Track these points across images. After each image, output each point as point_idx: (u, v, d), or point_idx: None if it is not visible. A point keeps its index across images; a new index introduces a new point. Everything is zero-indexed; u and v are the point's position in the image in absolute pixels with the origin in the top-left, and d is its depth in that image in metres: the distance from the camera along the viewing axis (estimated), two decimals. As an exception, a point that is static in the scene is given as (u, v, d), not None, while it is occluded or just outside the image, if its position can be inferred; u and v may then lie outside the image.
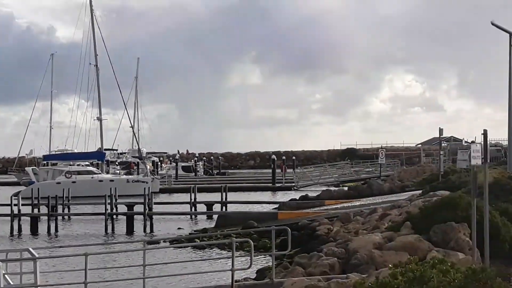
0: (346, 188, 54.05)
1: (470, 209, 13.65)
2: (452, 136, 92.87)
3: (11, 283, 14.13)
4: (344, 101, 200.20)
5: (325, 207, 38.68)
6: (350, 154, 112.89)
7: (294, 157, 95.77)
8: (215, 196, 48.70)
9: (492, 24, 32.36)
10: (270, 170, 74.26)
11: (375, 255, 15.61)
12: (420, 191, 33.92)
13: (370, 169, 74.77)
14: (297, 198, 49.14)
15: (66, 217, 44.80)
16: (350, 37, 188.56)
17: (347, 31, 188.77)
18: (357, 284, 9.51)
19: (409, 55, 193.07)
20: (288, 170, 78.14)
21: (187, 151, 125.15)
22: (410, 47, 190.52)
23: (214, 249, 29.26)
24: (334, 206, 38.39)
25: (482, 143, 13.43)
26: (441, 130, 44.87)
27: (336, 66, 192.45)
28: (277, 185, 69.30)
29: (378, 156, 70.58)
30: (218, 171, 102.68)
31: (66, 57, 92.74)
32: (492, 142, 64.83)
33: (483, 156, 13.17)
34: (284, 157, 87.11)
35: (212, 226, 37.43)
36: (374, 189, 47.56)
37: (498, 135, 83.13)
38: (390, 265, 10.64)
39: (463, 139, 78.57)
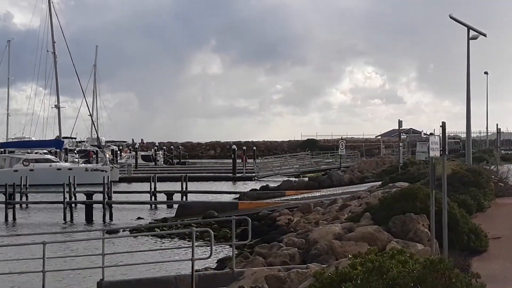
0: (306, 179, 54.25)
1: (429, 201, 13.78)
2: (411, 128, 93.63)
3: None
4: (304, 92, 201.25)
5: (286, 198, 38.80)
6: (310, 145, 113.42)
7: (254, 147, 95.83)
8: (175, 186, 48.59)
9: (451, 17, 32.61)
10: (231, 160, 74.21)
11: (335, 246, 15.69)
12: (379, 182, 34.21)
13: (330, 160, 75.17)
14: (258, 189, 49.22)
15: (24, 205, 44.30)
16: (310, 28, 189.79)
17: (308, 22, 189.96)
18: (317, 274, 9.54)
19: (369, 47, 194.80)
20: (248, 160, 78.24)
21: (142, 140, 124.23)
22: (370, 39, 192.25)
23: (174, 239, 29.20)
24: (294, 197, 38.52)
25: (441, 135, 13.54)
26: (400, 122, 45.28)
27: (297, 57, 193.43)
28: (238, 175, 69.28)
29: (338, 147, 70.95)
30: (178, 160, 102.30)
31: (23, 44, 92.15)
32: (450, 134, 65.51)
33: (441, 148, 13.27)
34: (244, 147, 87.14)
35: (172, 215, 37.32)
36: (334, 180, 47.81)
37: (457, 128, 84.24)
38: (349, 256, 10.71)
39: (422, 131, 79.29)
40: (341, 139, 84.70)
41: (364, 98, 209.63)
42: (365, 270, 8.82)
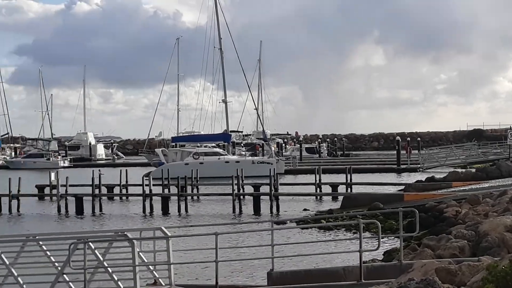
0: (473, 170, 52.75)
1: None
2: None
3: (145, 260, 14.71)
4: (470, 81, 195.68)
5: (452, 189, 37.98)
6: (477, 135, 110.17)
7: (419, 138, 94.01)
8: (339, 178, 48.74)
9: None
10: (394, 152, 73.45)
11: (507, 238, 15.32)
12: (552, 173, 32.82)
13: (499, 150, 72.65)
14: (423, 180, 48.43)
15: (195, 197, 45.88)
16: (476, 16, 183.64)
17: (473, 9, 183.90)
18: (490, 267, 9.43)
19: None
20: (413, 152, 77.04)
21: (296, 133, 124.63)
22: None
23: (340, 230, 29.38)
24: (461, 188, 37.62)
25: None
26: None
27: (461, 45, 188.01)
28: (402, 166, 68.44)
29: (506, 137, 68.47)
30: (341, 152, 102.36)
31: (191, 41, 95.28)
32: None
33: None
34: (408, 138, 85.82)
35: (338, 207, 37.52)
36: (503, 171, 46.19)
37: None
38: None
39: None
40: (510, 128, 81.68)
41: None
42: (541, 264, 8.65)
